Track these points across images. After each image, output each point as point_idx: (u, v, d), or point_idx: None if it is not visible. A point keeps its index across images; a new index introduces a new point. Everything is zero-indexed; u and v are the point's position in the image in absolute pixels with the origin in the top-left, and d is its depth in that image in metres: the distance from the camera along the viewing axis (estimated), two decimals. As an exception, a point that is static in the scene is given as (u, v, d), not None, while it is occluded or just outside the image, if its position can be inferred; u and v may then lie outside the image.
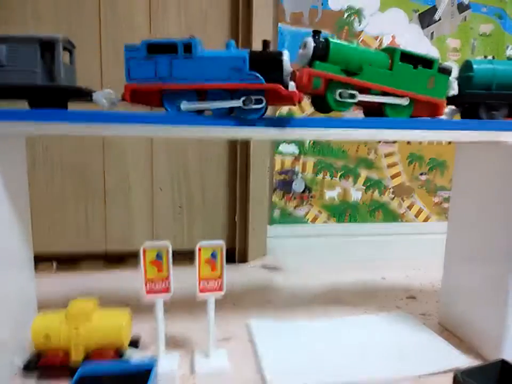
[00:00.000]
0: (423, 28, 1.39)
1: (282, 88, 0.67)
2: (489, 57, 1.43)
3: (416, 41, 1.39)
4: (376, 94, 0.75)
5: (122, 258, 1.38)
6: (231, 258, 1.45)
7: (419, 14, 1.38)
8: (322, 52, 0.71)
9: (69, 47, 0.71)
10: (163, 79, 0.68)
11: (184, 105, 0.69)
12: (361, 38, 1.36)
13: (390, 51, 0.76)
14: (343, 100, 0.73)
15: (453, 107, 0.85)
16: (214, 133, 0.72)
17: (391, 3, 1.36)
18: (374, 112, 0.77)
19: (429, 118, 0.79)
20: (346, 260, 1.41)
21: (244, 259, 1.43)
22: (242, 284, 1.25)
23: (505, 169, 0.80)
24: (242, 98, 0.69)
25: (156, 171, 1.34)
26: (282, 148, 1.38)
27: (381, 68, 0.74)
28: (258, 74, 0.68)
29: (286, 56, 0.69)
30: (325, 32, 1.32)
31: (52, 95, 0.68)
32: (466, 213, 0.90)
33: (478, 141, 0.77)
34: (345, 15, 1.34)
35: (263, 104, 0.69)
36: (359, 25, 1.35)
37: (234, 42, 0.71)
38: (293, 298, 1.15)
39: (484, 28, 1.42)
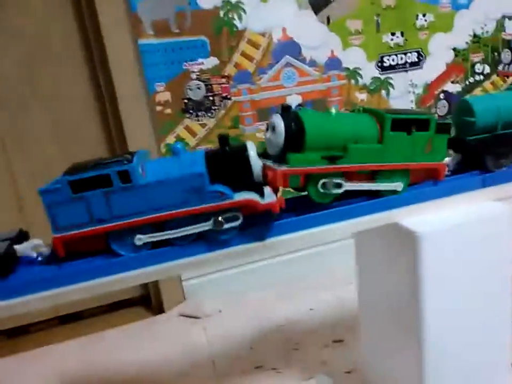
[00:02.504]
0: (316, 13, 1.17)
1: (258, 202, 0.55)
2: (398, 34, 1.23)
3: (310, 30, 1.17)
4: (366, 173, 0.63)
5: None
6: (147, 309, 1.30)
7: (310, -2, 1.16)
8: (296, 139, 0.59)
9: None
10: (102, 221, 0.54)
11: (140, 240, 0.56)
12: (246, 38, 1.14)
13: (378, 116, 0.63)
14: (327, 191, 0.61)
15: (453, 153, 0.72)
16: (186, 267, 0.58)
17: (274, -10, 1.13)
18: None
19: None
20: (272, 288, 1.27)
21: (160, 309, 1.28)
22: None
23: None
24: (211, 221, 0.56)
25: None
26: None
27: (369, 143, 0.62)
28: (223, 190, 0.55)
29: (252, 150, 0.57)
30: (200, 38, 1.10)
31: None
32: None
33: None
34: (222, 13, 1.10)
35: (240, 220, 0.56)
36: (241, 22, 1.12)
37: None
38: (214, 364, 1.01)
39: None
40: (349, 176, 0.62)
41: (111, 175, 0.53)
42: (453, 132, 0.71)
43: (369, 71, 1.25)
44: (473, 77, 1.34)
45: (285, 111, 0.60)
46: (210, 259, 0.59)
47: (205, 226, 0.56)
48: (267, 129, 0.61)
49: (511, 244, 0.65)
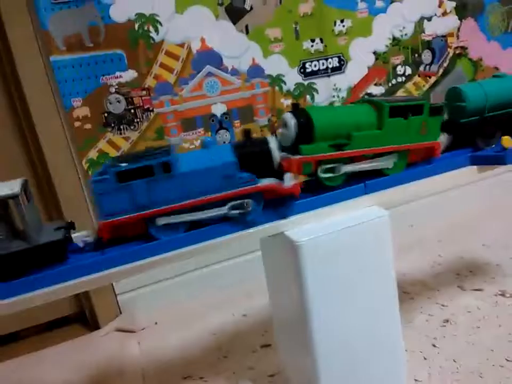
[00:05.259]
0: (234, 22, 1.19)
1: (281, 187, 0.64)
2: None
3: (230, 39, 1.19)
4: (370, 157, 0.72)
5: None
6: (84, 325, 1.28)
7: (225, 8, 1.17)
8: (306, 132, 0.68)
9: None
10: (144, 207, 0.61)
11: (175, 218, 0.62)
12: (164, 49, 1.14)
13: (377, 105, 0.72)
14: (335, 175, 0.69)
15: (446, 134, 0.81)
16: (218, 247, 0.65)
17: (189, 1, 1.13)
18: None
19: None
20: (207, 297, 1.28)
21: (96, 325, 1.26)
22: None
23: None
24: (239, 204, 0.63)
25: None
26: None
27: (370, 129, 0.71)
28: (252, 176, 0.63)
29: (273, 143, 0.66)
30: (116, 51, 1.10)
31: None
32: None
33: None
34: (136, 26, 1.10)
35: (262, 204, 0.65)
36: (157, 34, 1.13)
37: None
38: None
39: (304, 7, 1.23)
40: (354, 160, 0.70)
41: (153, 166, 0.59)
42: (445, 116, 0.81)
43: (292, 77, 1.27)
44: (395, 78, 1.38)
45: (295, 108, 0.70)
46: (239, 237, 0.65)
47: (234, 208, 0.63)
48: (280, 125, 0.71)
49: (391, 247, 0.67)
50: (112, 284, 1.24)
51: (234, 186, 0.62)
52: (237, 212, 0.63)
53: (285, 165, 0.67)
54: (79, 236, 0.64)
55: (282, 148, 0.68)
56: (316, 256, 0.62)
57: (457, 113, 0.80)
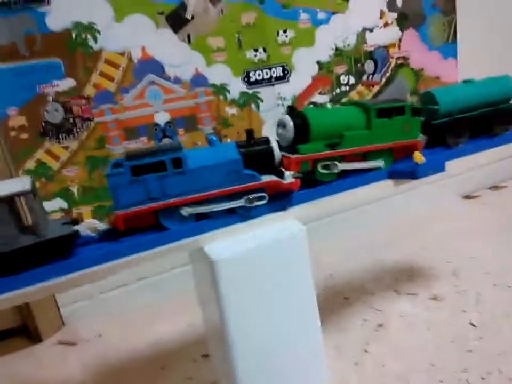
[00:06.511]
0: (175, 31, 1.19)
1: (283, 182, 0.70)
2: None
3: (171, 48, 1.19)
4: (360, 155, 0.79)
5: None
6: (27, 338, 1.25)
7: (166, 17, 1.17)
8: (303, 132, 0.74)
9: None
10: (156, 200, 0.65)
11: (186, 211, 0.66)
12: (104, 58, 1.13)
13: (364, 107, 0.79)
14: (330, 171, 0.76)
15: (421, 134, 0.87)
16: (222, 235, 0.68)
17: (128, 10, 1.13)
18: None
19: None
20: (152, 307, 1.27)
21: (39, 337, 1.23)
22: None
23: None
24: (244, 198, 0.68)
25: None
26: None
27: (359, 129, 0.78)
28: (255, 173, 0.68)
29: (274, 142, 0.71)
30: (53, 60, 1.08)
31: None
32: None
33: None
34: (74, 35, 1.09)
35: (266, 199, 0.69)
36: (96, 43, 1.12)
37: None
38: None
39: (246, 17, 1.25)
40: (346, 158, 0.77)
41: (165, 162, 0.63)
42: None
43: (237, 86, 1.28)
44: (339, 88, 1.41)
45: (292, 111, 0.76)
46: (242, 227, 0.69)
47: (240, 203, 0.68)
48: (278, 126, 0.77)
49: (308, 261, 0.69)
50: (54, 296, 1.22)
51: (239, 182, 0.67)
52: (253, 204, 0.68)
53: (285, 163, 0.73)
54: (92, 224, 0.67)
55: (280, 148, 0.73)
56: (232, 272, 0.63)
57: (430, 115, 0.88)
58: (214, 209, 0.67)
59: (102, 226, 0.68)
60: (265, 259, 0.65)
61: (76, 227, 0.65)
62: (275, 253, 0.66)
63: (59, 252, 0.62)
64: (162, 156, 0.64)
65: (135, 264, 0.66)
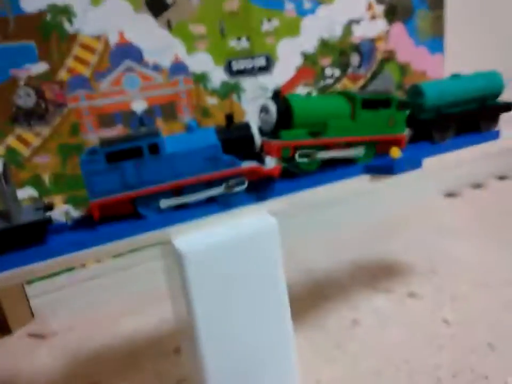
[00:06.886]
0: (155, 16, 1.15)
1: (263, 168, 0.67)
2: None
3: (150, 34, 1.15)
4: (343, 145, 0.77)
5: None
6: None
7: (146, 1, 1.13)
8: (286, 118, 0.72)
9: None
10: (132, 187, 0.62)
11: (164, 203, 0.64)
12: (79, 42, 1.09)
13: (350, 97, 0.77)
14: (311, 160, 0.74)
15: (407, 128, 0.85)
16: (202, 225, 0.66)
17: (105, -7, 1.09)
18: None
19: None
20: (125, 301, 1.24)
21: (8, 330, 1.20)
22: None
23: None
24: (223, 185, 0.66)
25: None
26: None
27: (343, 119, 0.76)
28: (235, 159, 0.66)
29: (254, 127, 0.69)
30: (26, 43, 1.04)
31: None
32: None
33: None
34: (49, 17, 1.05)
35: (245, 184, 0.67)
36: (71, 26, 1.07)
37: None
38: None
39: (230, 5, 1.21)
40: (329, 148, 0.75)
41: (142, 147, 0.61)
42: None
43: (218, 76, 1.25)
44: (324, 80, 1.39)
45: (276, 95, 0.73)
46: (221, 217, 0.67)
47: (218, 190, 0.66)
48: (261, 111, 0.74)
49: (280, 255, 0.66)
50: (23, 287, 1.18)
51: (218, 168, 0.65)
52: (233, 190, 0.66)
53: (265, 149, 0.71)
54: (65, 211, 0.67)
55: (261, 133, 0.72)
56: (201, 266, 0.60)
57: (417, 110, 0.86)
58: (193, 200, 0.65)
59: (76, 213, 0.66)
60: (236, 253, 0.63)
61: (50, 213, 0.63)
62: (246, 247, 0.63)
63: (31, 238, 0.60)
64: (139, 141, 0.62)
65: (109, 253, 0.65)
